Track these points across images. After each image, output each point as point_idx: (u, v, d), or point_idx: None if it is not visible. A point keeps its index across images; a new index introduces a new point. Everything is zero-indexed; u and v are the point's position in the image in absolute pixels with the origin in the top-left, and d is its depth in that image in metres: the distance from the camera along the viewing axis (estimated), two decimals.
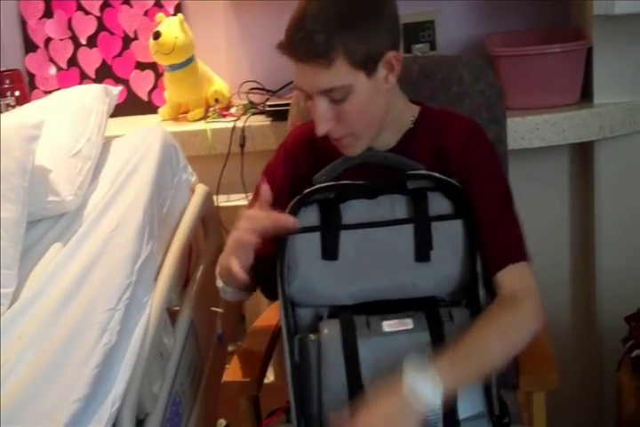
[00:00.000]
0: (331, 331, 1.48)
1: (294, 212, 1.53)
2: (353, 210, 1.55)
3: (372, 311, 1.51)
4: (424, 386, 1.34)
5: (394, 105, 1.58)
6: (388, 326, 1.47)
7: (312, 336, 1.49)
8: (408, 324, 1.47)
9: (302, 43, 1.44)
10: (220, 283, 1.66)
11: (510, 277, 1.54)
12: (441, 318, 1.47)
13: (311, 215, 1.55)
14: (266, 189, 1.50)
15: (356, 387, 1.44)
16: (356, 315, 1.50)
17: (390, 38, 1.52)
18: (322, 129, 1.52)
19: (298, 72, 1.49)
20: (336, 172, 1.58)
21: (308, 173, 1.65)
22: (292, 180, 1.67)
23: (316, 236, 1.54)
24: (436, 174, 1.54)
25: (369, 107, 1.51)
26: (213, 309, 1.80)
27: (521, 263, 1.55)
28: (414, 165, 1.56)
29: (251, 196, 1.80)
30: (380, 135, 1.59)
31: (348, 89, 1.47)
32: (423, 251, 1.51)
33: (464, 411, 1.43)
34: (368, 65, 1.48)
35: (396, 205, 1.54)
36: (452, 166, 1.59)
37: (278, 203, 1.67)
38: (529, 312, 1.51)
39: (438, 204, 1.53)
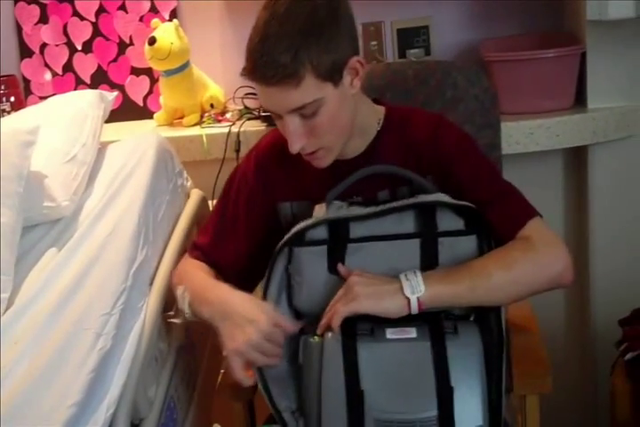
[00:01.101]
0: (334, 335, 1.47)
1: (302, 235, 1.54)
2: (361, 224, 1.54)
3: (377, 322, 1.49)
4: (409, 282, 1.44)
5: (359, 109, 1.58)
6: (391, 333, 1.46)
7: (316, 338, 1.49)
8: (411, 333, 1.46)
9: (268, 66, 1.42)
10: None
11: (528, 232, 1.53)
12: (444, 330, 1.46)
13: (320, 228, 1.55)
14: (296, 325, 1.54)
15: (353, 391, 1.43)
16: (361, 322, 1.48)
17: (351, 43, 1.51)
18: (296, 147, 1.52)
19: (264, 94, 1.48)
20: (346, 186, 1.58)
21: (278, 179, 1.67)
22: (263, 185, 1.69)
23: (323, 249, 1.54)
24: (448, 199, 1.53)
25: (339, 115, 1.51)
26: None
27: (533, 221, 1.54)
28: (424, 182, 1.56)
29: None
30: (349, 142, 1.59)
31: (318, 103, 1.47)
32: (428, 266, 1.50)
33: (462, 423, 1.42)
34: (334, 75, 1.47)
35: (404, 219, 1.54)
36: (425, 162, 1.59)
37: (251, 203, 1.69)
38: (546, 253, 1.50)
39: (448, 220, 1.53)
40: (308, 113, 1.48)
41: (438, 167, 1.59)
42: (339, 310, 1.46)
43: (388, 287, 1.46)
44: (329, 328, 1.47)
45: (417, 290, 1.44)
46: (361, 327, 1.47)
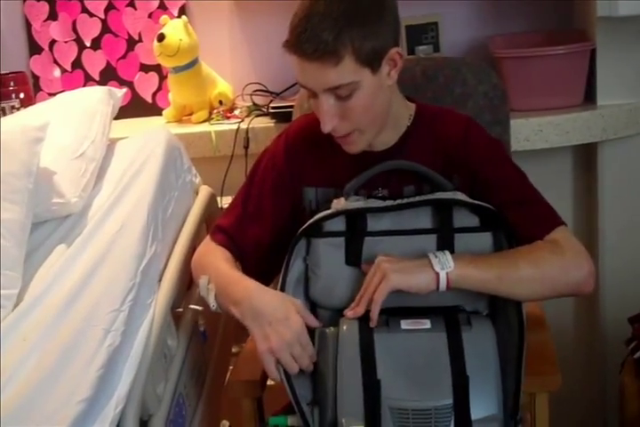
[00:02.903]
0: (349, 326, 1.49)
1: (319, 225, 1.56)
2: (379, 217, 1.56)
3: (392, 314, 1.51)
4: (438, 259, 1.46)
5: (394, 102, 1.60)
6: (406, 324, 1.49)
7: (331, 329, 1.51)
8: (425, 324, 1.49)
9: (311, 40, 1.45)
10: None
11: (555, 237, 1.55)
12: (459, 323, 1.49)
13: (338, 220, 1.56)
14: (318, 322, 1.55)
15: (370, 381, 1.45)
16: None
17: (393, 34, 1.53)
18: (328, 126, 1.53)
19: (303, 70, 1.50)
20: (366, 179, 1.60)
21: (307, 164, 1.68)
22: (291, 169, 1.68)
23: (341, 241, 1.56)
24: (464, 198, 1.55)
25: (374, 103, 1.53)
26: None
27: (560, 228, 1.57)
28: (441, 180, 1.58)
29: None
30: (381, 133, 1.60)
31: (354, 86, 1.49)
32: None
33: (477, 412, 1.44)
34: (373, 62, 1.49)
35: (420, 215, 1.56)
36: (454, 160, 1.61)
37: (278, 186, 1.69)
38: (573, 259, 1.54)
39: (463, 217, 1.55)
40: (343, 94, 1.50)
41: (466, 167, 1.60)
42: (375, 299, 1.46)
43: (417, 263, 1.48)
44: (364, 316, 1.48)
45: (446, 266, 1.46)
46: None
